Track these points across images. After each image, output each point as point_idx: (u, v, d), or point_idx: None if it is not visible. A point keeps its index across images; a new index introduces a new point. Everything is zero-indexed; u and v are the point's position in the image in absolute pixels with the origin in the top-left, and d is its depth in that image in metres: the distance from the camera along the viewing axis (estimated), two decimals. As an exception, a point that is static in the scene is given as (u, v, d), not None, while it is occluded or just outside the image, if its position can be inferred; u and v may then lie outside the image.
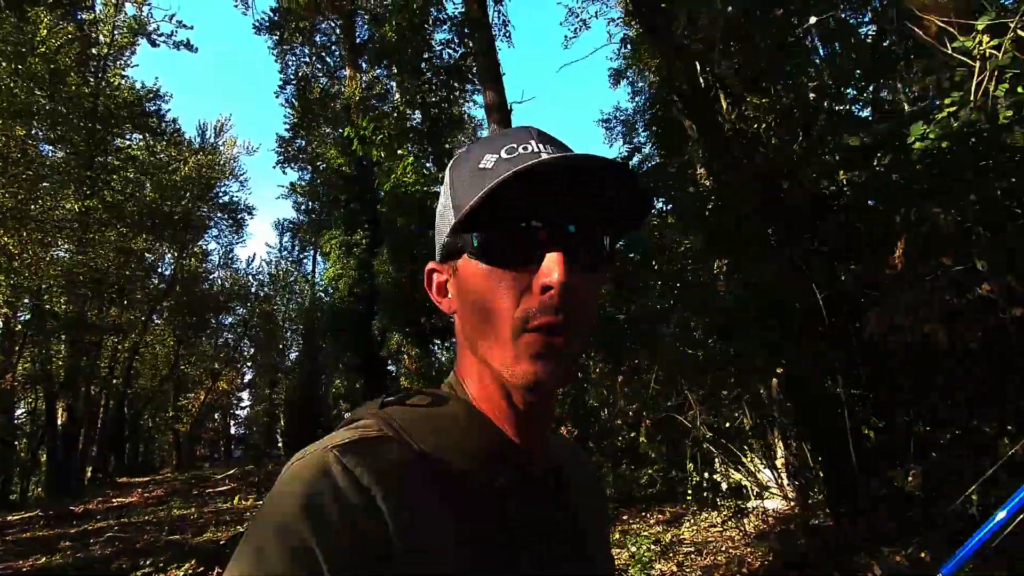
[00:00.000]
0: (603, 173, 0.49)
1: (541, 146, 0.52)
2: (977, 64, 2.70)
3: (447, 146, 6.19)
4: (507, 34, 9.46)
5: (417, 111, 5.86)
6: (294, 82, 19.51)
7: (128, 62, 19.44)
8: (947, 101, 2.76)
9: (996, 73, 2.66)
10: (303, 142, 20.14)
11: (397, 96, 6.32)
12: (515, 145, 0.52)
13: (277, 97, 19.61)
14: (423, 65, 5.91)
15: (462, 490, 0.50)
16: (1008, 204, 2.82)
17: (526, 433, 0.57)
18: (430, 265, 0.60)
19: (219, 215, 23.95)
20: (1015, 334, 2.76)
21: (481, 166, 0.52)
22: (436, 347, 13.12)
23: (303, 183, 21.91)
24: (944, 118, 2.76)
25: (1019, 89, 2.77)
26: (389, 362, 14.08)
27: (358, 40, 17.66)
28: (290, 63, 20.26)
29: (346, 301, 14.57)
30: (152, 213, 18.48)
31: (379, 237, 13.71)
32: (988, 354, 2.96)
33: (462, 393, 0.58)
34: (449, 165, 0.58)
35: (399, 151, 5.77)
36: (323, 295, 17.54)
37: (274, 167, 16.62)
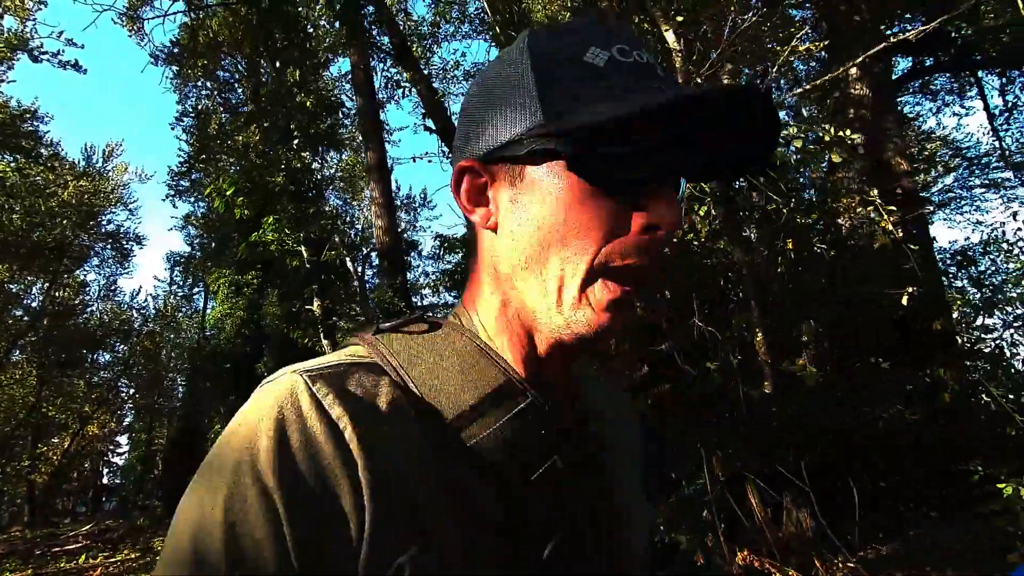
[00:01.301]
0: (740, 110, 0.43)
1: (653, 60, 0.46)
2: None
3: (311, 210, 6.71)
4: (395, 97, 10.24)
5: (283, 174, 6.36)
6: (192, 115, 19.23)
7: (3, 77, 18.34)
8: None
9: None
10: (199, 175, 19.71)
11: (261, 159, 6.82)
12: (627, 47, 0.45)
13: (173, 129, 19.20)
14: (292, 128, 6.43)
15: (457, 443, 0.43)
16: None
17: (547, 377, 0.49)
18: (465, 162, 0.48)
19: (101, 244, 22.55)
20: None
21: (587, 59, 0.44)
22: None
23: (197, 216, 21.25)
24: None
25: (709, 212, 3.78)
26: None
27: (263, 80, 17.87)
28: (189, 95, 19.98)
29: (232, 342, 14.25)
30: (19, 240, 17.18)
31: (270, 278, 13.70)
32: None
33: (469, 324, 0.51)
34: (525, 39, 0.47)
35: (267, 212, 6.21)
36: (209, 335, 16.97)
37: (163, 200, 16.13)
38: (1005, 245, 7.07)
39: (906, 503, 3.73)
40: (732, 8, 3.55)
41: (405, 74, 6.03)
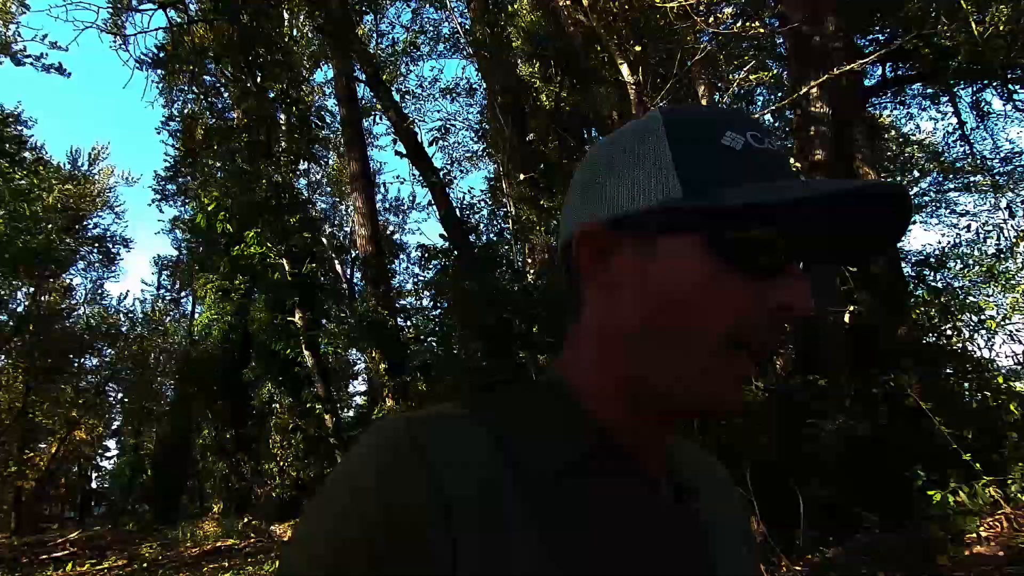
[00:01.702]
0: (873, 202, 0.45)
1: (779, 145, 0.48)
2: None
3: (293, 220, 6.86)
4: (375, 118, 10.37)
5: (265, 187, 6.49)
6: (178, 119, 19.27)
7: (-17, 80, 18.30)
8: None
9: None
10: (188, 179, 19.73)
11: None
12: (759, 134, 0.47)
13: (159, 133, 19.23)
14: (273, 145, 6.57)
15: (547, 500, 0.43)
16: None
17: (646, 445, 0.50)
18: (588, 226, 0.49)
19: (87, 248, 22.52)
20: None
21: (724, 142, 0.45)
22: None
23: (184, 219, 21.24)
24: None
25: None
26: (253, 411, 13.95)
27: (249, 84, 17.91)
28: (176, 98, 20.02)
29: (219, 348, 14.35)
30: (3, 245, 17.16)
31: (257, 284, 13.81)
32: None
33: (568, 385, 0.51)
34: (659, 116, 0.49)
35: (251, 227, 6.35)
36: (197, 340, 17.04)
37: (149, 205, 16.15)
38: (966, 250, 7.30)
39: (854, 509, 3.96)
40: (689, 39, 3.74)
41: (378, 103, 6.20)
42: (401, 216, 20.29)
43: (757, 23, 4.09)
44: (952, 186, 12.26)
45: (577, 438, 0.47)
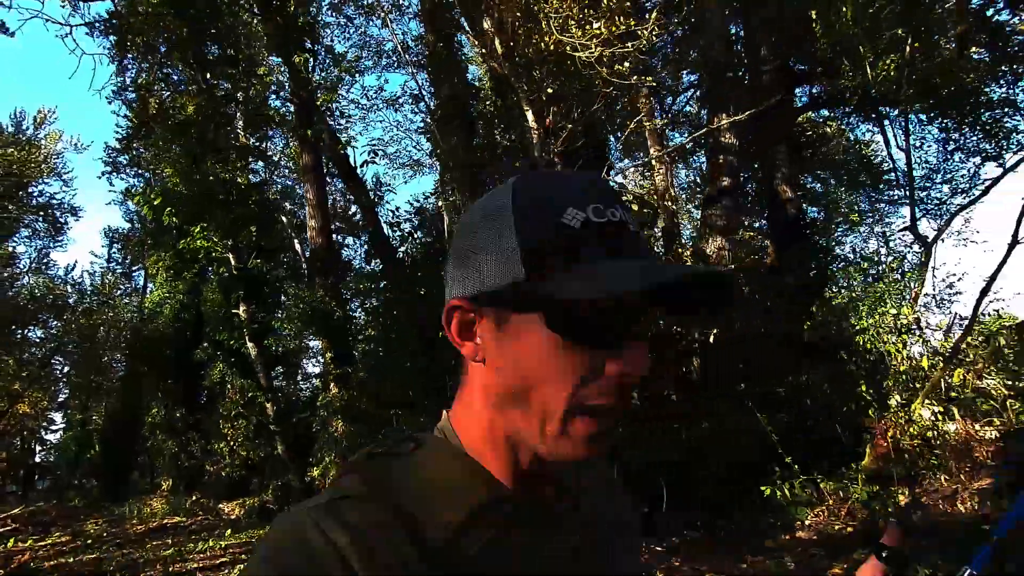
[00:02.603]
0: (704, 282, 0.50)
1: (627, 215, 0.51)
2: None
3: (240, 217, 7.14)
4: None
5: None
6: (131, 89, 18.75)
7: (-81, 39, 17.46)
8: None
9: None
10: (142, 150, 19.26)
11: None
12: (601, 205, 0.50)
13: (110, 103, 18.71)
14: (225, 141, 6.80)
15: (451, 558, 0.48)
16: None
17: (533, 484, 0.55)
18: (454, 301, 0.53)
19: (31, 216, 21.84)
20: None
21: (564, 220, 0.49)
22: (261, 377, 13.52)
23: (138, 190, 20.76)
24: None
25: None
26: (205, 390, 14.15)
27: (209, 57, 17.53)
28: (129, 67, 19.44)
29: (171, 327, 14.39)
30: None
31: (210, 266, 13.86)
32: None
33: (455, 440, 0.56)
34: (511, 192, 0.52)
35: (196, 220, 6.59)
36: (147, 317, 16.96)
37: (99, 177, 15.81)
38: (866, 263, 8.04)
39: (719, 499, 4.67)
40: (597, 83, 4.23)
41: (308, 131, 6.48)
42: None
43: (650, 78, 4.63)
44: (878, 197, 13.23)
45: (469, 494, 0.52)
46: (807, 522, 4.10)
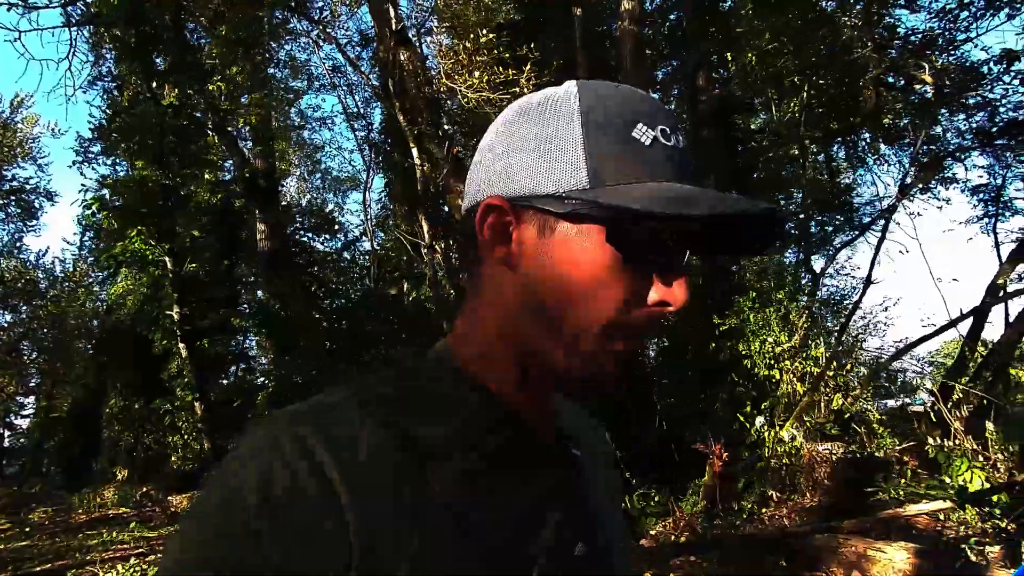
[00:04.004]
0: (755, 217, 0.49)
1: (684, 141, 0.51)
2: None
3: (177, 228, 7.49)
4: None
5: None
6: (108, 79, 18.97)
7: None
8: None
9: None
10: (115, 138, 19.45)
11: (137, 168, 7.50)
12: (667, 128, 0.49)
13: (85, 92, 18.90)
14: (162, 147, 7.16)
15: (441, 471, 0.46)
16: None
17: (532, 404, 0.54)
18: (492, 199, 0.50)
19: (4, 199, 21.98)
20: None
21: (635, 135, 0.47)
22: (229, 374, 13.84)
23: (115, 178, 20.92)
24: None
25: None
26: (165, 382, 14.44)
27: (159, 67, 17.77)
28: (107, 56, 19.67)
29: (132, 318, 14.64)
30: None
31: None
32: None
33: (458, 354, 0.54)
34: (576, 93, 0.50)
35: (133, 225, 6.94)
36: (112, 307, 17.21)
37: (70, 166, 16.02)
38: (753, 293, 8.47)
39: (642, 470, 5.08)
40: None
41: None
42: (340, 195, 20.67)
43: None
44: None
45: (460, 408, 0.50)
46: (652, 532, 4.55)
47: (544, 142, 0.49)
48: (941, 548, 3.68)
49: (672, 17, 10.62)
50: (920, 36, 8.25)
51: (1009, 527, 3.68)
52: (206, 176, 9.25)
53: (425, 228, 5.40)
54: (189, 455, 12.68)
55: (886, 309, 12.84)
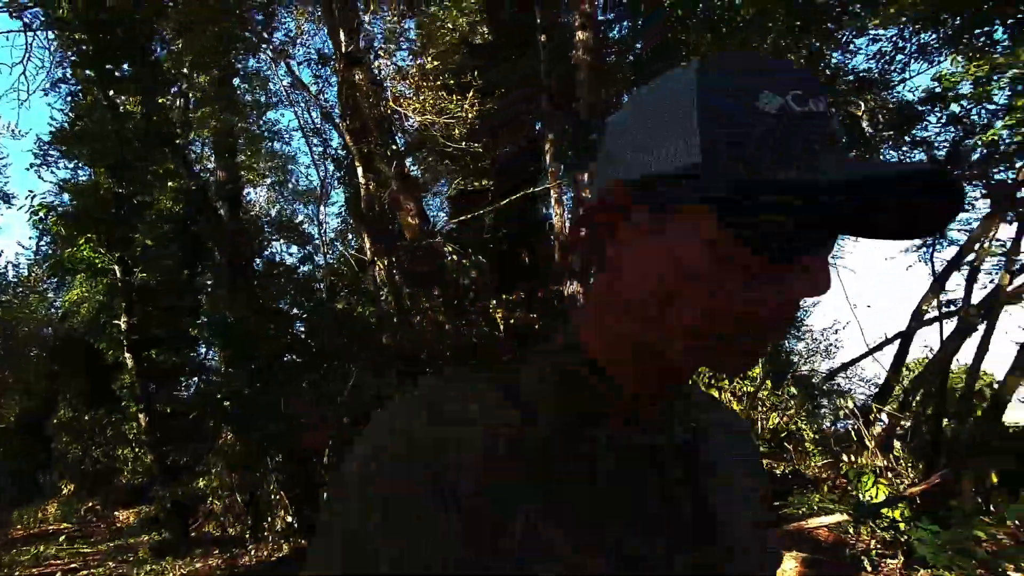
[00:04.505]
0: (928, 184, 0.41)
1: (826, 106, 0.43)
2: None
3: (133, 235, 7.48)
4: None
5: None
6: (72, 82, 18.66)
7: None
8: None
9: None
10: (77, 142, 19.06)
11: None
12: (801, 92, 0.42)
13: (47, 94, 18.57)
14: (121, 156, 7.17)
15: (559, 452, 0.47)
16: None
17: (652, 398, 0.52)
18: (609, 184, 0.48)
19: (-43, 202, 21.31)
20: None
21: (759, 105, 0.41)
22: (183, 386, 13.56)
23: (72, 183, 20.48)
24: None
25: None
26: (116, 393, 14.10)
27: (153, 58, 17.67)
28: (64, 64, 19.40)
29: (85, 326, 14.27)
30: None
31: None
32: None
33: (578, 342, 0.53)
34: (696, 69, 0.45)
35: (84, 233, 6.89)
36: (66, 315, 16.77)
37: (27, 169, 15.73)
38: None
39: None
40: (438, 145, 4.84)
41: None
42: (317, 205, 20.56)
43: (477, 144, 5.34)
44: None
45: (583, 396, 0.50)
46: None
47: (661, 119, 0.45)
48: (844, 559, 3.90)
49: (637, 47, 11.07)
50: (857, 77, 8.80)
51: (907, 537, 3.93)
52: (170, 184, 9.25)
53: (368, 245, 5.55)
54: (139, 468, 12.36)
55: (836, 332, 13.36)
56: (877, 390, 7.31)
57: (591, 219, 0.49)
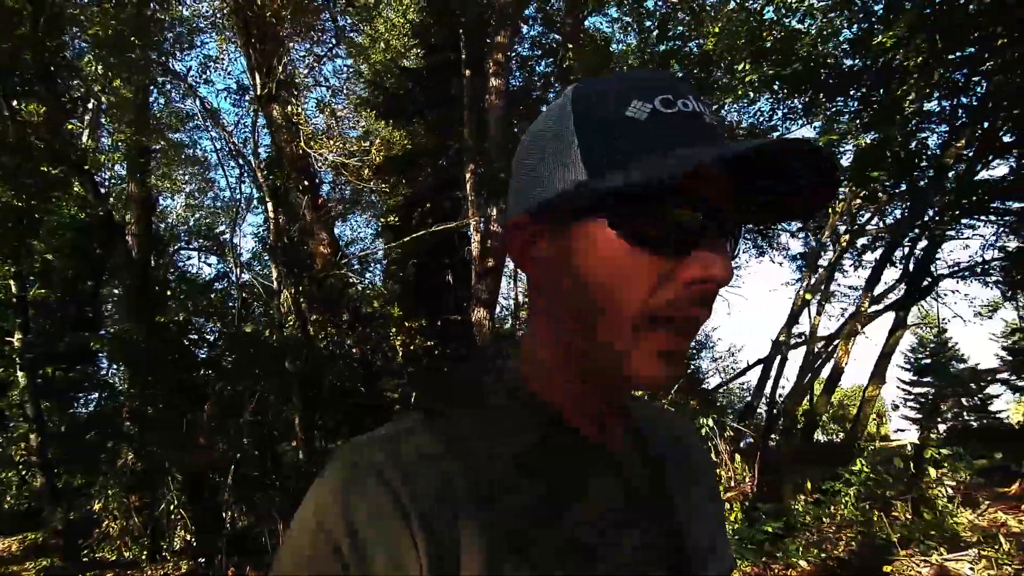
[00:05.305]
0: (789, 159, 0.44)
1: (701, 106, 0.47)
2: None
3: (31, 248, 7.33)
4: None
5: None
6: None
7: None
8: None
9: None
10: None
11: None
12: (670, 96, 0.45)
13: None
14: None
15: (506, 487, 0.47)
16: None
17: (599, 420, 0.54)
18: (515, 218, 0.51)
19: None
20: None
21: (628, 113, 0.45)
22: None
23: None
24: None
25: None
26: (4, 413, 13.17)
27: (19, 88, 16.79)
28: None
29: None
30: None
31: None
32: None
33: (517, 370, 0.54)
34: (571, 94, 0.49)
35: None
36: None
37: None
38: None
39: None
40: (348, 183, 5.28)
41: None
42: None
43: (385, 184, 5.91)
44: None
45: (526, 426, 0.50)
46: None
47: (544, 148, 0.49)
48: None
49: (551, 94, 11.96)
50: (744, 130, 10.04)
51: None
52: (75, 189, 8.99)
53: (275, 274, 5.88)
54: (26, 492, 11.61)
55: (732, 355, 14.72)
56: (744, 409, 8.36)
57: (511, 250, 0.53)
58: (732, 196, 0.47)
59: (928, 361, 27.30)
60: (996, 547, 3.94)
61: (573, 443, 0.51)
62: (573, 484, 0.49)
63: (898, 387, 27.43)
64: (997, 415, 22.10)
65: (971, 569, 3.74)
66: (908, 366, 28.00)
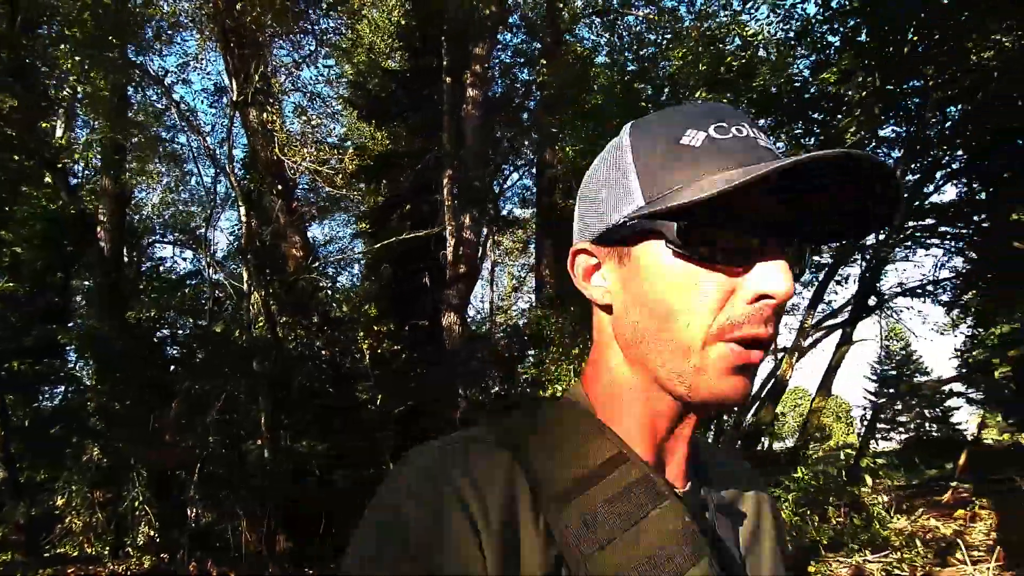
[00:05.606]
0: (853, 173, 0.45)
1: (755, 131, 0.49)
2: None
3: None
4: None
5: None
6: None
7: None
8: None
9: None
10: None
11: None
12: (725, 123, 0.48)
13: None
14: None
15: (567, 512, 0.47)
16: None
17: (663, 451, 0.54)
18: (579, 245, 0.55)
19: None
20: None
21: (683, 141, 0.48)
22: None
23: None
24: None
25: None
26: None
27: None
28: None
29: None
30: None
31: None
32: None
33: (583, 399, 0.56)
34: (628, 129, 0.53)
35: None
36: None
37: None
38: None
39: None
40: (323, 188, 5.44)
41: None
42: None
43: (358, 191, 6.11)
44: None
45: (592, 450, 0.51)
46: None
47: (609, 177, 0.52)
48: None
49: (531, 103, 12.17)
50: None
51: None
52: (46, 178, 8.93)
53: (246, 276, 6.01)
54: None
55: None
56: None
57: (575, 277, 0.56)
58: (790, 212, 0.49)
59: (893, 373, 28.21)
60: (913, 550, 4.27)
61: (638, 472, 0.51)
62: (634, 510, 0.48)
63: (865, 397, 28.32)
64: (957, 426, 22.95)
65: (885, 571, 4.07)
66: (874, 377, 28.93)
